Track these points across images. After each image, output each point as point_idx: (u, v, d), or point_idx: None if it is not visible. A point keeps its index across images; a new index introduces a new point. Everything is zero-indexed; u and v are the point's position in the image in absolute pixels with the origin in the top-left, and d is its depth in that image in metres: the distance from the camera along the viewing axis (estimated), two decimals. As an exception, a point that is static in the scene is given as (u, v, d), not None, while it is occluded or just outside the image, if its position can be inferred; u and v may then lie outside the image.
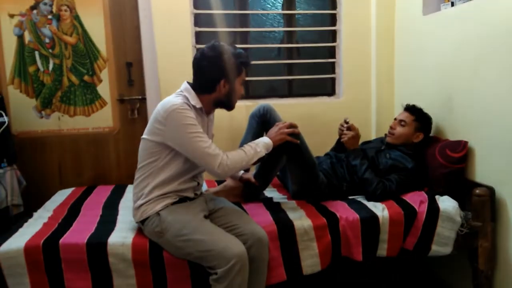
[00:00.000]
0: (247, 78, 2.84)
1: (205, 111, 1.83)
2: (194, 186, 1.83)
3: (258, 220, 1.83)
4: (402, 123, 2.26)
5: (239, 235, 1.68)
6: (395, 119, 2.33)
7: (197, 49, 1.79)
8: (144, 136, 1.78)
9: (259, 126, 2.18)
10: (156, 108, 1.74)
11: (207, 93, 1.79)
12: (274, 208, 1.99)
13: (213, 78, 1.77)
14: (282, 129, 1.89)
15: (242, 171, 2.12)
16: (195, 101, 1.76)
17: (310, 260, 1.82)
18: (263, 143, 1.83)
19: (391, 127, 2.31)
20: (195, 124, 1.68)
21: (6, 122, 2.33)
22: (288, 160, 2.04)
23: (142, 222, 1.73)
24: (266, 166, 2.08)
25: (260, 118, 2.16)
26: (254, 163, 1.83)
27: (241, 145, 2.19)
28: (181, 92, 1.78)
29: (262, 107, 2.16)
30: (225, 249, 1.56)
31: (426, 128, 2.27)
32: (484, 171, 2.04)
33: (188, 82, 1.82)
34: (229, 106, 1.88)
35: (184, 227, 1.65)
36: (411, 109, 2.30)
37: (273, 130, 1.91)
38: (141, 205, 1.73)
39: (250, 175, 2.11)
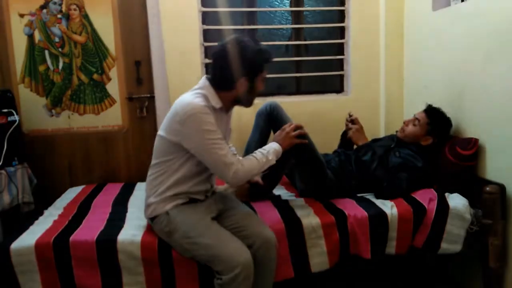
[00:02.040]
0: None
1: (225, 109, 1.78)
2: (207, 189, 1.82)
3: (266, 218, 1.84)
4: (416, 122, 2.22)
5: (246, 237, 1.67)
6: (414, 115, 2.27)
7: (221, 44, 1.72)
8: (160, 133, 1.73)
9: (266, 124, 2.17)
10: (174, 107, 1.68)
11: (227, 90, 1.72)
12: (282, 206, 1.99)
13: (234, 75, 1.69)
14: (290, 133, 1.87)
15: None
16: (215, 101, 1.70)
17: (318, 258, 1.82)
18: (273, 150, 1.79)
19: (404, 122, 2.28)
20: (214, 130, 1.63)
21: (17, 121, 2.35)
22: (296, 160, 2.04)
23: (152, 219, 1.74)
24: (274, 167, 2.06)
25: (267, 116, 2.15)
26: (264, 171, 1.80)
27: (248, 144, 2.20)
28: (201, 91, 1.71)
29: (268, 105, 2.15)
30: (231, 256, 1.57)
31: (438, 134, 2.20)
32: (494, 168, 2.02)
33: (207, 78, 1.76)
34: (248, 103, 1.82)
35: (191, 230, 1.65)
36: (429, 111, 2.24)
37: (281, 135, 1.88)
38: (153, 203, 1.73)
39: (258, 177, 2.10)
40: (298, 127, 1.91)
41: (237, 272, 1.54)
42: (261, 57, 1.72)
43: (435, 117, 2.22)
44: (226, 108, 1.79)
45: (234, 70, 1.68)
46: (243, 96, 1.75)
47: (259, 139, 2.18)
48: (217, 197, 1.90)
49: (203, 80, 1.76)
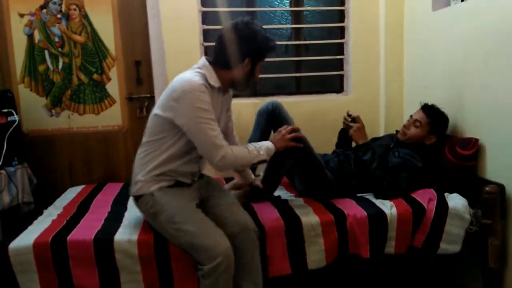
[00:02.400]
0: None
1: (222, 89, 1.80)
2: (194, 171, 1.82)
3: (265, 216, 1.85)
4: (417, 123, 2.20)
5: (228, 225, 1.68)
6: (410, 116, 2.27)
7: (233, 22, 1.74)
8: (156, 111, 1.73)
9: (267, 123, 2.17)
10: (172, 84, 1.68)
11: (228, 68, 1.74)
12: (282, 205, 1.99)
13: (240, 54, 1.70)
14: (285, 135, 1.87)
15: (253, 176, 2.11)
16: (213, 79, 1.72)
17: (316, 255, 1.83)
18: (266, 147, 1.79)
19: (405, 126, 2.26)
20: (208, 109, 1.64)
21: (17, 121, 2.36)
22: (294, 161, 2.03)
23: (137, 198, 1.75)
24: (273, 170, 2.07)
25: (269, 115, 2.15)
26: (254, 165, 1.81)
27: (249, 142, 2.19)
28: (200, 70, 1.72)
29: (270, 104, 2.15)
30: (213, 246, 1.57)
31: (440, 132, 2.21)
32: (494, 168, 2.02)
33: (206, 59, 1.77)
34: (245, 87, 1.84)
35: (177, 214, 1.65)
36: (427, 110, 2.23)
37: (277, 137, 1.89)
38: (140, 181, 1.73)
39: (259, 181, 2.10)
40: (295, 130, 1.90)
41: (218, 261, 1.54)
42: (267, 44, 1.74)
43: (434, 114, 2.21)
44: (224, 88, 1.80)
45: (241, 49, 1.70)
46: (242, 78, 1.77)
47: (259, 138, 2.17)
48: (202, 183, 1.91)
49: (203, 60, 1.77)
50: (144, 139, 1.78)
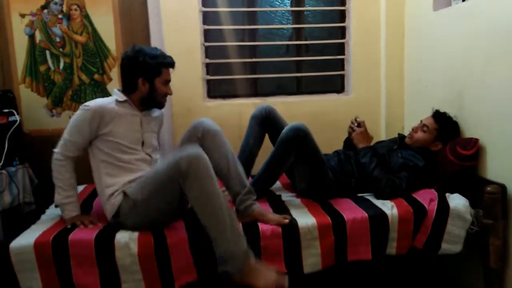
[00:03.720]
0: (256, 76, 2.87)
1: (137, 108, 1.95)
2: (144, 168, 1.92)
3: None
4: (425, 128, 2.21)
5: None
6: (421, 121, 2.27)
7: (124, 52, 1.97)
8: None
9: (261, 127, 2.17)
10: None
11: (131, 92, 1.92)
12: (279, 206, 1.99)
13: (131, 76, 1.90)
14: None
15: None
16: (119, 95, 1.92)
17: (312, 258, 1.81)
18: (66, 215, 1.86)
19: (412, 129, 2.26)
20: (78, 129, 1.84)
21: (18, 121, 2.36)
22: (296, 158, 2.03)
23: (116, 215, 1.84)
24: (274, 163, 2.07)
25: (264, 119, 2.15)
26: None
27: (243, 148, 2.23)
28: (112, 96, 1.95)
29: (263, 108, 2.15)
30: (181, 156, 1.65)
31: (446, 139, 2.19)
32: (495, 168, 2.01)
33: (118, 90, 1.97)
34: (156, 104, 1.98)
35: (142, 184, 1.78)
36: (437, 116, 2.23)
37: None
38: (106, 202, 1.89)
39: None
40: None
41: (190, 160, 1.63)
42: (154, 61, 1.88)
43: (443, 122, 2.21)
44: (138, 108, 1.95)
45: (130, 72, 1.90)
46: (147, 97, 1.93)
47: (252, 145, 2.20)
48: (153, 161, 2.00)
49: (115, 91, 1.97)
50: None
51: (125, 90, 1.94)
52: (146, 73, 1.89)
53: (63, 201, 1.86)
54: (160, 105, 2.00)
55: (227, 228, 1.61)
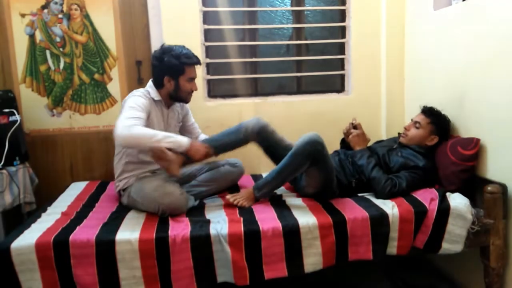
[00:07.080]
0: (256, 76, 2.87)
1: (165, 104, 2.16)
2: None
3: (263, 216, 1.85)
4: (417, 125, 2.23)
5: None
6: (411, 120, 2.29)
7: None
8: None
9: (244, 139, 2.14)
10: None
11: (160, 88, 2.11)
12: (280, 205, 1.99)
13: (158, 74, 2.09)
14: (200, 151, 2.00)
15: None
16: (154, 94, 2.10)
17: (313, 258, 1.80)
18: (175, 140, 1.90)
19: (405, 128, 2.28)
20: (137, 107, 1.94)
21: (18, 121, 2.36)
22: (309, 167, 1.98)
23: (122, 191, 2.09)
24: (287, 173, 2.02)
25: (254, 137, 2.15)
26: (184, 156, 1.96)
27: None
28: (145, 88, 2.12)
29: (254, 125, 2.13)
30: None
31: (441, 131, 2.22)
32: (496, 168, 2.01)
33: (152, 80, 2.15)
34: (182, 100, 2.17)
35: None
36: (427, 111, 2.26)
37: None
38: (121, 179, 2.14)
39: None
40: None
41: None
42: (178, 61, 2.03)
43: (434, 116, 2.23)
44: (166, 102, 2.16)
45: (157, 70, 2.09)
46: (173, 93, 2.11)
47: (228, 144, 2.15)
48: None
49: (149, 81, 2.15)
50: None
51: (155, 85, 2.12)
52: (171, 72, 2.06)
53: (162, 143, 1.86)
54: (186, 101, 2.18)
55: None
